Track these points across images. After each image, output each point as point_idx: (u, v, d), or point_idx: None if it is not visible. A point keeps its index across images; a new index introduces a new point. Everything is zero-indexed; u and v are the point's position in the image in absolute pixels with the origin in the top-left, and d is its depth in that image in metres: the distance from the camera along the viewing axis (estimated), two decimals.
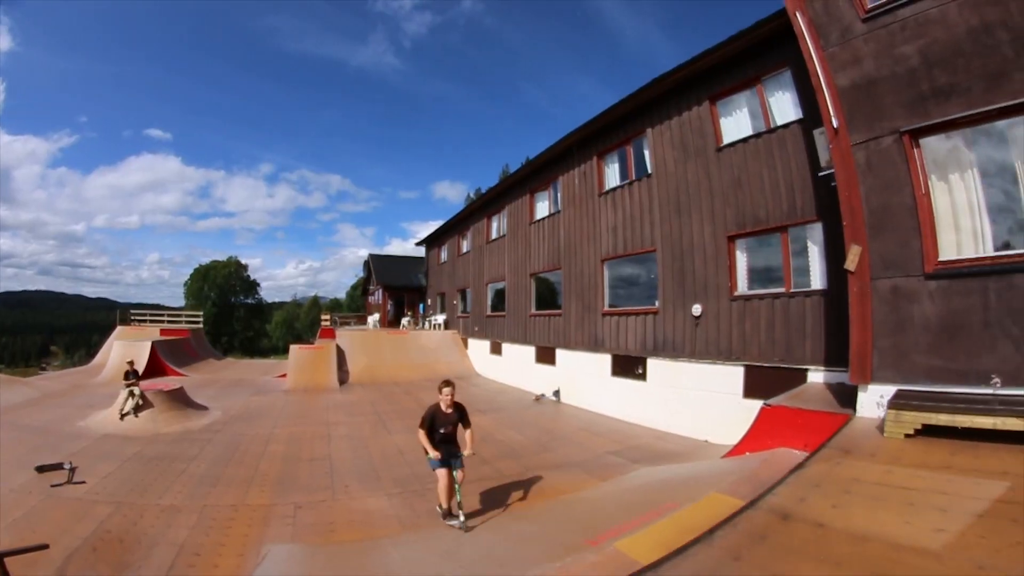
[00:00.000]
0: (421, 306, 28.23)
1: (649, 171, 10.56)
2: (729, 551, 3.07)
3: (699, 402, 8.94)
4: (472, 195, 54.98)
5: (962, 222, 5.19)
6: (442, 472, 5.00)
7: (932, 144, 5.36)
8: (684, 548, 3.16)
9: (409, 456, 7.53)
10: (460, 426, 5.22)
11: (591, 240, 12.54)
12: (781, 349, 7.59)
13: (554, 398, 13.25)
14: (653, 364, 10.13)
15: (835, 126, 6.02)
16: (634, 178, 11.18)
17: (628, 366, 10.95)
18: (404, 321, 25.87)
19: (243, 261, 63.99)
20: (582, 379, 12.71)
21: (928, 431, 4.43)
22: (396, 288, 31.20)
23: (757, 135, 8.26)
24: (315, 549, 4.73)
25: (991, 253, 4.98)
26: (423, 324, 25.33)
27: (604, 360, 11.83)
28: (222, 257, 64.34)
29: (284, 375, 16.61)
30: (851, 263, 5.62)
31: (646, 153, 10.80)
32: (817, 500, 3.64)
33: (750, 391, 7.93)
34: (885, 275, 5.42)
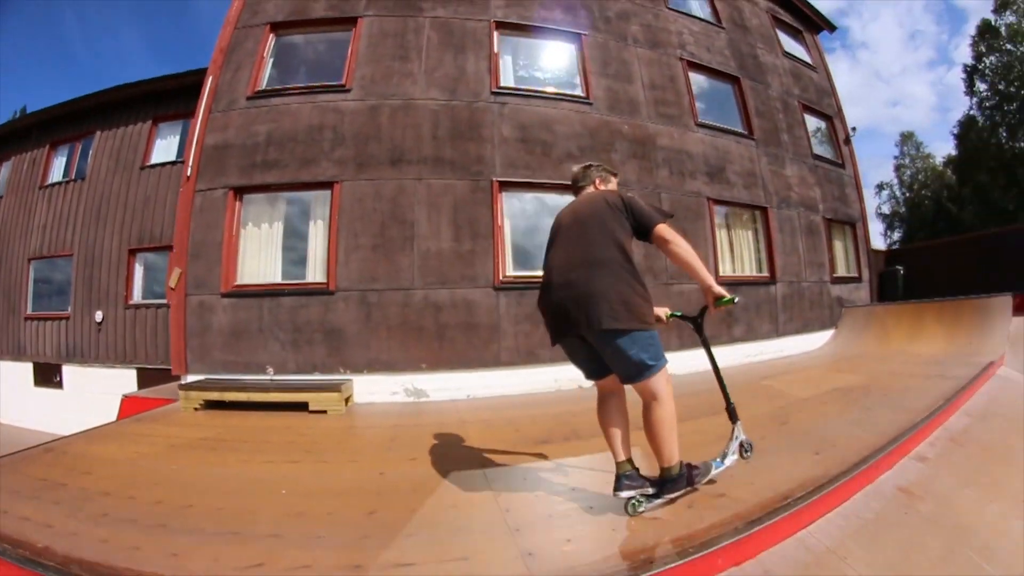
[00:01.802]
0: None
1: (86, 174, 10.34)
2: None
3: (109, 406, 9.22)
4: None
5: (258, 257, 6.71)
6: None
7: (252, 199, 6.95)
8: None
9: None
10: None
11: (23, 235, 11.13)
12: (163, 352, 8.79)
13: None
14: (68, 371, 9.84)
15: (188, 174, 7.49)
16: (73, 178, 10.70)
17: (48, 374, 10.22)
18: None
19: None
20: (6, 392, 10.98)
21: (214, 405, 5.49)
22: None
23: (174, 163, 9.40)
24: None
25: (271, 281, 6.50)
26: None
27: (27, 369, 10.62)
28: None
29: None
30: (173, 281, 7.09)
31: (90, 155, 10.53)
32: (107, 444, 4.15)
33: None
34: (196, 292, 6.39)
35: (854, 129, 10.64)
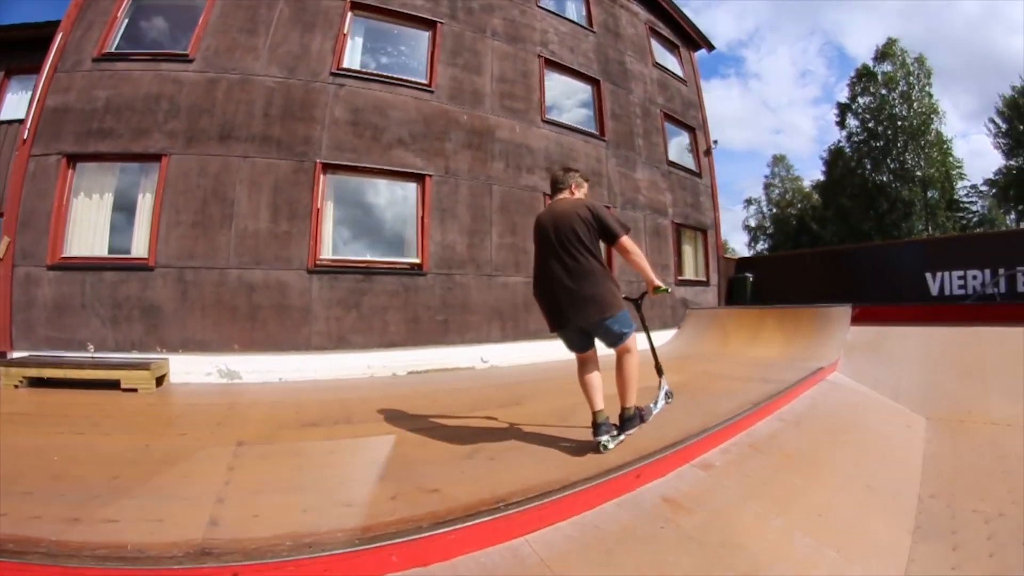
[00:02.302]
0: None
1: None
2: None
3: None
4: None
5: (86, 229, 6.42)
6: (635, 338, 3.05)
7: (85, 168, 6.51)
8: None
9: None
10: None
11: None
12: None
13: None
14: None
15: (25, 137, 7.03)
16: None
17: None
18: None
19: None
20: None
21: (38, 383, 5.28)
22: None
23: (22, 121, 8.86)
24: None
25: (96, 254, 6.33)
26: None
27: None
28: None
29: None
30: (0, 251, 6.78)
31: None
32: None
33: None
34: (23, 264, 6.21)
35: (715, 142, 11.41)
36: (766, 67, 71.01)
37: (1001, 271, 10.30)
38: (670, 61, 11.52)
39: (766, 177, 38.48)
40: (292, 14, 6.79)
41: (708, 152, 11.31)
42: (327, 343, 6.03)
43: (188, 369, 5.76)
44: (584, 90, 9.22)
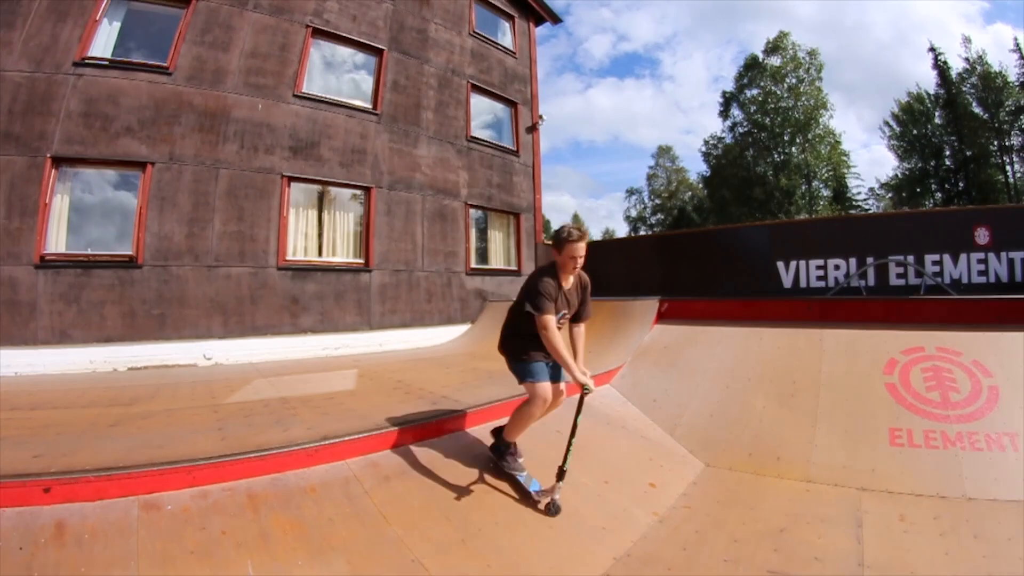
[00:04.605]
0: None
1: None
2: None
3: None
4: None
5: None
6: (545, 387, 2.87)
7: None
8: None
9: None
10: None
11: None
12: None
13: None
14: None
15: None
16: None
17: None
18: None
19: None
20: None
21: None
22: None
23: None
24: None
25: None
26: None
27: None
28: None
29: None
30: None
31: None
32: None
33: None
34: None
35: (541, 118, 10.56)
36: (681, 70, 71.12)
37: (869, 260, 9.61)
38: (501, 31, 10.55)
39: (650, 168, 39.19)
40: (50, 3, 6.17)
41: (533, 129, 10.41)
42: (51, 338, 5.79)
43: None
44: (365, 61, 8.17)
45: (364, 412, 3.49)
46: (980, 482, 3.14)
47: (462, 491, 2.78)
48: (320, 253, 7.34)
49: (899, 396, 3.77)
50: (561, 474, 2.80)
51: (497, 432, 3.03)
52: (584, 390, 2.70)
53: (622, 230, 42.29)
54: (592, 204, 77.87)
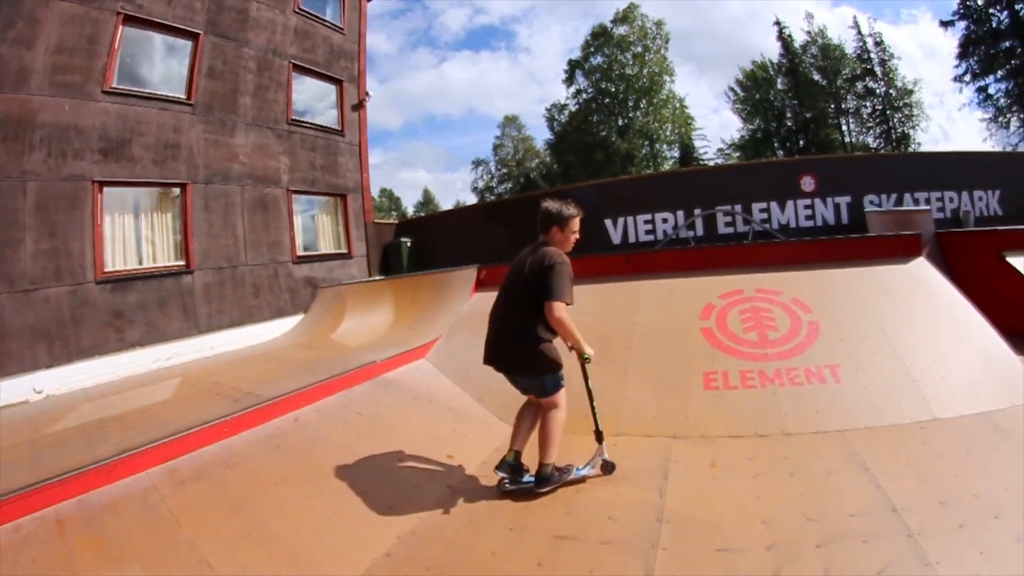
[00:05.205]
0: None
1: None
2: None
3: None
4: None
5: None
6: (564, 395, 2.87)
7: None
8: None
9: None
10: None
11: None
12: None
13: None
14: None
15: None
16: None
17: None
18: None
19: None
20: None
21: None
22: None
23: None
24: None
25: None
26: None
27: None
28: None
29: None
30: None
31: None
32: None
33: None
34: None
35: (368, 94, 10.48)
36: (537, 43, 71.28)
37: (697, 211, 10.39)
38: (330, 6, 10.28)
39: (496, 138, 39.13)
40: None
41: (359, 106, 10.32)
42: None
43: None
44: (181, 47, 7.69)
45: (170, 420, 3.54)
46: (799, 417, 3.13)
47: (253, 486, 2.84)
48: (140, 260, 7.02)
49: (714, 339, 3.78)
50: (599, 435, 2.87)
51: (540, 471, 2.73)
52: (585, 359, 2.68)
53: (470, 200, 42.22)
54: (448, 177, 78.76)
